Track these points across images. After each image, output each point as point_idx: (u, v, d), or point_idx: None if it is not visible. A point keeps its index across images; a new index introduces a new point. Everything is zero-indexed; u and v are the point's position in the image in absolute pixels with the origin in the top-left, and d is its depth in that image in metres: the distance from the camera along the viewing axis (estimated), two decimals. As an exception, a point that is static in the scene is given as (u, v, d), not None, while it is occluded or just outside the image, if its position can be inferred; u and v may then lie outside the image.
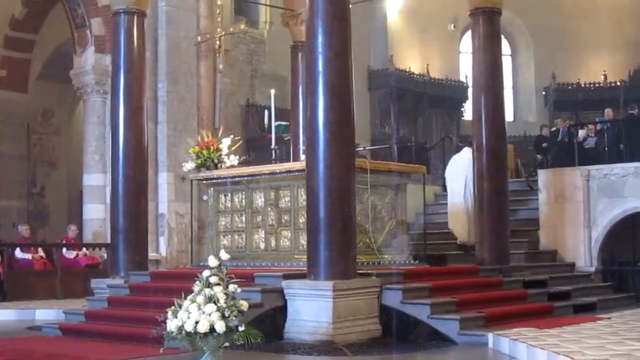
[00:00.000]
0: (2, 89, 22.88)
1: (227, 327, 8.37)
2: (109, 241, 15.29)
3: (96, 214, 19.01)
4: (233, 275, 8.75)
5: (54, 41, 22.97)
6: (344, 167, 11.11)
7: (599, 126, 20.28)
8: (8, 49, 22.69)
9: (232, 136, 14.90)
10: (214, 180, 14.04)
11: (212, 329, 8.35)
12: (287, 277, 11.29)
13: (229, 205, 13.84)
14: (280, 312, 11.14)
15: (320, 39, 11.23)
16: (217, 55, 17.73)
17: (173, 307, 8.75)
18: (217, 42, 17.32)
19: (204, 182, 14.47)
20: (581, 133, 19.96)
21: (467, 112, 27.53)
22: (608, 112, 21.45)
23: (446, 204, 16.87)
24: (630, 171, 15.70)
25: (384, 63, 27.66)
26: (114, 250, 14.27)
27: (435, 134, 27.51)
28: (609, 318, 11.90)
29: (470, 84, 21.50)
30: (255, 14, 22.99)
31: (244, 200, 13.59)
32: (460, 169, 15.98)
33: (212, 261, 8.74)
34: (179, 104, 18.64)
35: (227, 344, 8.54)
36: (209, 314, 8.37)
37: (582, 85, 29.98)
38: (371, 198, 12.87)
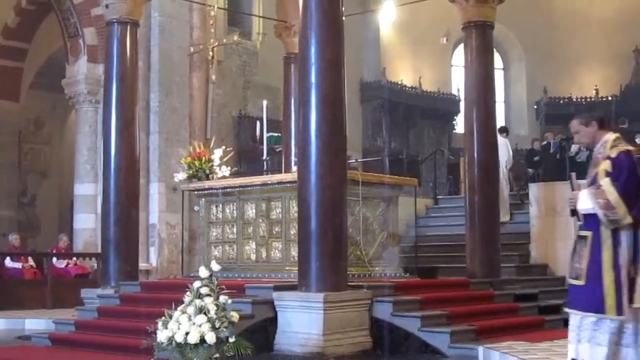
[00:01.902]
0: (-7, 97, 22.86)
1: (217, 338, 8.36)
2: (99, 251, 15.26)
3: (87, 223, 18.98)
4: (224, 286, 8.75)
5: (46, 50, 22.97)
6: (335, 178, 11.10)
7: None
8: (0, 57, 22.65)
9: (224, 147, 14.88)
10: (206, 191, 14.03)
11: (202, 340, 8.34)
12: (277, 288, 11.28)
13: (220, 216, 13.84)
14: (270, 324, 11.12)
15: (313, 50, 11.24)
16: (210, 66, 17.77)
17: (163, 318, 8.74)
18: (210, 53, 17.35)
19: (196, 192, 14.47)
20: (574, 147, 19.98)
21: (459, 125, 27.57)
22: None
23: (438, 216, 16.99)
24: (621, 185, 15.70)
25: (376, 75, 27.70)
26: (104, 260, 14.24)
27: (427, 147, 27.56)
28: (599, 332, 11.90)
29: (462, 97, 21.53)
30: (249, 25, 23.00)
31: (235, 211, 13.58)
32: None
33: (203, 272, 8.74)
34: (171, 115, 18.62)
35: (217, 355, 8.52)
36: (200, 325, 8.36)
37: (574, 99, 30.06)
38: (362, 210, 12.87)
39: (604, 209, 6.65)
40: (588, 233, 6.93)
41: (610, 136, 7.04)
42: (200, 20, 19.19)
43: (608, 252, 6.67)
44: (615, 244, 6.67)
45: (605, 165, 6.86)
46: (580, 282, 6.85)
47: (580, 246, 7.00)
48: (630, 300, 6.55)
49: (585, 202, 6.80)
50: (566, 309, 6.96)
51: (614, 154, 6.87)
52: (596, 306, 6.56)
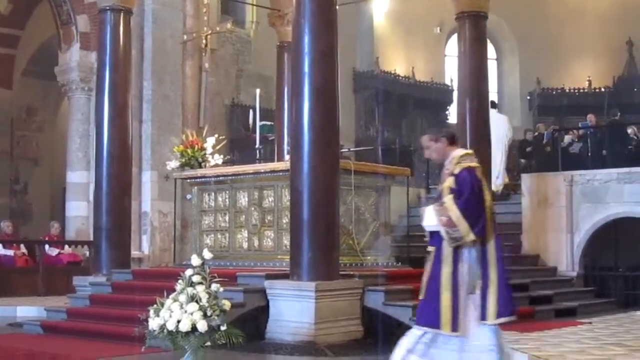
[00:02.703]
0: (-14, 84, 22.80)
1: (209, 326, 8.37)
2: (91, 239, 15.26)
3: (79, 211, 18.96)
4: (216, 275, 8.76)
5: (39, 37, 22.88)
6: (328, 168, 11.11)
7: (581, 131, 20.36)
8: (-7, 44, 22.61)
9: (216, 135, 14.88)
10: (198, 180, 14.03)
11: (194, 328, 8.35)
12: (269, 277, 11.30)
13: (213, 204, 13.83)
14: (262, 312, 11.13)
15: (306, 39, 11.24)
16: (203, 54, 17.75)
17: (155, 306, 8.75)
18: (203, 41, 17.33)
19: (188, 181, 14.46)
20: (567, 138, 20.03)
21: (452, 115, 27.57)
22: (590, 118, 21.57)
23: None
24: (613, 177, 15.76)
25: (369, 65, 27.65)
26: (96, 248, 14.24)
27: (420, 137, 27.47)
28: (590, 323, 11.96)
29: (455, 87, 21.54)
30: (242, 14, 22.96)
31: (227, 200, 13.58)
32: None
33: (195, 260, 8.74)
34: (164, 103, 18.60)
35: (208, 343, 8.54)
36: (191, 313, 8.37)
37: (567, 90, 30.05)
38: (355, 199, 12.88)
39: (446, 226, 6.61)
40: (432, 249, 6.92)
41: (458, 152, 7.01)
42: (194, 9, 19.17)
43: (448, 269, 6.64)
44: (456, 260, 6.64)
45: (450, 182, 6.84)
46: (422, 297, 6.89)
47: (426, 262, 6.99)
48: (483, 316, 6.58)
49: (430, 219, 6.77)
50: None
51: (457, 171, 6.84)
52: (432, 321, 6.54)
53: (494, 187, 17.59)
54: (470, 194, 6.66)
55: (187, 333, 8.36)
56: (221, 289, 8.77)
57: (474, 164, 6.85)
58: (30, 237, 21.10)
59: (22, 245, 18.99)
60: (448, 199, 6.69)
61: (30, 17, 22.59)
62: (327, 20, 11.36)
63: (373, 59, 27.79)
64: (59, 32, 19.70)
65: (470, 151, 7.15)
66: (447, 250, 6.64)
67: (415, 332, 6.70)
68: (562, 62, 30.54)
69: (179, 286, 8.75)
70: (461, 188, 6.70)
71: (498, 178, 18.90)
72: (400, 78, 28.36)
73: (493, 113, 18.37)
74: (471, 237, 6.55)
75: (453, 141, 7.11)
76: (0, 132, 23.30)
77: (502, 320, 6.57)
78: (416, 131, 28.02)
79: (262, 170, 13.13)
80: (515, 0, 27.34)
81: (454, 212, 6.58)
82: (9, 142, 23.73)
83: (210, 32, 17.31)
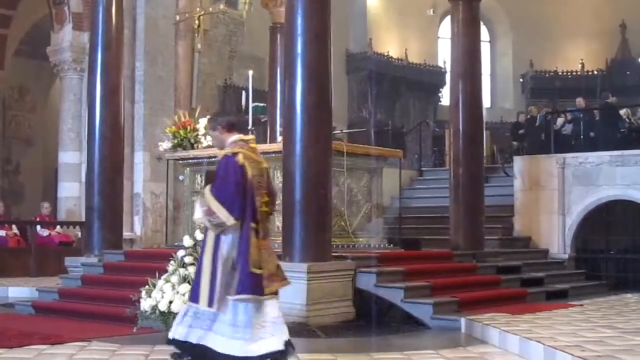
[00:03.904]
0: (-22, 65, 22.73)
1: (201, 307, 8.37)
2: (83, 219, 15.23)
3: (71, 192, 18.91)
4: (208, 256, 8.74)
5: (31, 18, 22.79)
6: (320, 149, 11.10)
7: (572, 114, 20.40)
8: (-15, 24, 22.52)
9: (209, 116, 14.83)
10: (190, 161, 14.01)
11: (186, 309, 8.35)
12: (261, 258, 11.28)
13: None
14: (254, 294, 11.12)
15: (299, 21, 11.20)
16: (196, 35, 17.73)
17: (147, 287, 8.77)
18: (196, 22, 17.32)
19: (180, 162, 14.45)
20: (559, 120, 20.05)
21: (445, 97, 27.59)
22: (579, 101, 21.66)
23: (422, 188, 17.23)
24: (605, 159, 15.79)
25: (362, 47, 27.66)
26: (88, 229, 14.21)
27: (413, 119, 27.57)
28: (581, 305, 11.99)
29: (448, 69, 21.53)
30: (235, -5, 22.93)
31: (220, 181, 13.54)
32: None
33: (187, 241, 8.76)
34: (156, 83, 18.55)
35: (200, 324, 8.54)
36: (183, 294, 8.40)
37: (560, 73, 30.13)
38: (347, 181, 12.88)
39: (207, 215, 6.80)
40: (202, 235, 7.32)
41: (233, 138, 7.16)
42: (187, -11, 19.09)
43: (209, 251, 6.90)
44: (218, 242, 6.87)
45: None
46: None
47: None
48: (228, 292, 6.83)
49: (197, 211, 6.94)
50: None
51: (219, 158, 7.10)
52: (195, 297, 6.92)
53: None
54: (222, 180, 6.87)
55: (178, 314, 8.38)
56: (213, 270, 8.77)
57: (237, 149, 7.00)
58: (22, 218, 21.09)
59: (13, 226, 18.97)
60: (206, 189, 6.95)
61: (22, -3, 22.52)
62: (320, 1, 11.32)
63: (366, 40, 27.80)
64: (51, 12, 19.60)
65: (247, 137, 7.27)
66: (211, 234, 6.90)
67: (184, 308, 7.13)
68: (555, 45, 30.61)
69: (171, 267, 8.76)
70: (218, 174, 6.95)
71: None
72: (394, 60, 28.40)
73: None
74: (232, 221, 6.74)
75: (230, 128, 7.23)
76: (-8, 112, 23.31)
77: (244, 297, 6.80)
78: (409, 113, 28.12)
79: (255, 152, 13.09)
80: (508, -18, 27.35)
81: (212, 201, 6.78)
82: (1, 123, 23.75)
83: (203, 12, 17.30)
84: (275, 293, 7.12)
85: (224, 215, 6.73)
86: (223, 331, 6.81)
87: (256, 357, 6.82)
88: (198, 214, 6.90)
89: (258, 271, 6.84)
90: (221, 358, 6.81)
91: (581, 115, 19.86)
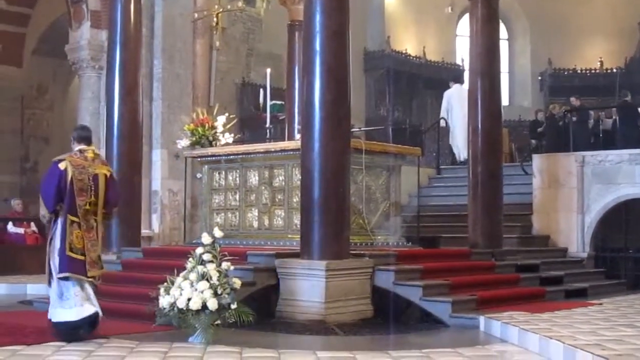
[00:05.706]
0: (-4, 63, 22.80)
1: (219, 304, 8.39)
2: (101, 217, 15.21)
3: (89, 189, 18.89)
4: (226, 253, 8.76)
5: (49, 16, 22.84)
6: (339, 147, 11.09)
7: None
8: (3, 22, 22.52)
9: (227, 114, 14.86)
10: (208, 158, 14.03)
11: (204, 307, 8.38)
12: (280, 256, 11.30)
13: (223, 183, 13.84)
14: (272, 291, 11.15)
15: (318, 18, 11.19)
16: (214, 32, 17.73)
17: (165, 284, 8.77)
18: (214, 20, 17.30)
19: (198, 159, 14.46)
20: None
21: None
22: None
23: (440, 186, 17.25)
24: (624, 158, 15.71)
25: (380, 44, 27.59)
26: (106, 226, 14.20)
27: (430, 117, 27.48)
28: (600, 304, 11.92)
29: (466, 67, 21.50)
30: (253, -8, 22.91)
31: (238, 179, 13.58)
32: (455, 100, 20.71)
33: (206, 238, 8.75)
34: (174, 81, 18.55)
35: (219, 321, 8.55)
36: (202, 292, 8.39)
37: (578, 71, 29.98)
38: (365, 179, 12.87)
39: (40, 208, 9.04)
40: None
41: (76, 148, 9.14)
42: (205, -13, 19.08)
43: (50, 238, 8.95)
44: (53, 231, 8.90)
45: None
46: None
47: None
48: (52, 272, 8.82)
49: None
50: None
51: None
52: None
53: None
54: (44, 181, 8.99)
55: (197, 311, 8.38)
56: (231, 268, 8.78)
57: (64, 156, 8.93)
58: (41, 216, 21.10)
59: (32, 223, 19.03)
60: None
61: (40, -5, 22.58)
62: (339, -2, 11.31)
63: (384, 38, 27.73)
64: (69, 10, 19.62)
65: (86, 147, 9.11)
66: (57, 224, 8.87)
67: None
68: (574, 43, 30.47)
69: (189, 264, 8.76)
70: (43, 176, 9.21)
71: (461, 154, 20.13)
72: (411, 58, 28.31)
73: (458, 88, 20.78)
74: (48, 214, 8.87)
75: (80, 140, 9.18)
76: (11, 110, 23.35)
77: (60, 275, 8.67)
78: (426, 111, 28.01)
79: (273, 149, 13.13)
80: (527, -20, 27.24)
81: (40, 198, 8.96)
82: (19, 121, 23.77)
83: (221, 10, 17.29)
84: (95, 278, 8.93)
85: (43, 209, 8.89)
86: (53, 302, 8.81)
87: (77, 321, 8.67)
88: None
89: (78, 257, 8.72)
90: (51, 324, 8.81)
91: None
